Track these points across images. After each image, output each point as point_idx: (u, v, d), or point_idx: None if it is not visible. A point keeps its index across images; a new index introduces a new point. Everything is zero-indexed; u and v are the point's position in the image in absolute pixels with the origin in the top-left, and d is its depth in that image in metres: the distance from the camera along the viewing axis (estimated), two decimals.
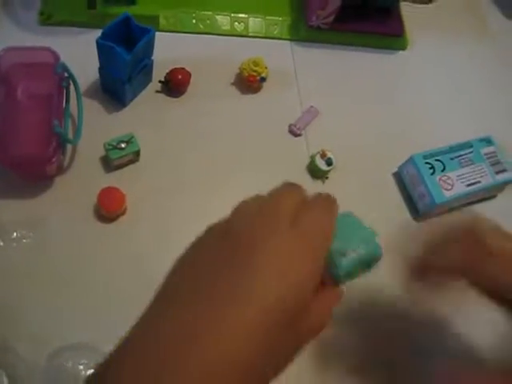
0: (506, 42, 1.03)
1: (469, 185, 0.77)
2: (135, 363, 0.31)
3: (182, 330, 0.32)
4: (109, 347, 0.58)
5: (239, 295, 0.33)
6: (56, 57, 0.68)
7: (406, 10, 0.95)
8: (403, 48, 0.95)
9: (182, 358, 0.31)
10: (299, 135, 0.80)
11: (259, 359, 0.32)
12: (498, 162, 0.80)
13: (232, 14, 0.89)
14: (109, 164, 0.71)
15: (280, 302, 0.33)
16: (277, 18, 0.91)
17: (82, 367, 0.58)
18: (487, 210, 0.81)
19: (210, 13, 0.88)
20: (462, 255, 0.52)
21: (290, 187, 0.44)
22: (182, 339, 0.32)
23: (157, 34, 0.72)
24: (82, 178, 0.70)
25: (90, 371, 0.58)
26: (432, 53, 0.97)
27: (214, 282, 0.35)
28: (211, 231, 0.40)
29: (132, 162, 0.72)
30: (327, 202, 0.44)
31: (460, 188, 0.76)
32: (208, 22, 0.88)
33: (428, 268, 0.54)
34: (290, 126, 0.81)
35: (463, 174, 0.78)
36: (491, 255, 0.51)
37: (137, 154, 0.71)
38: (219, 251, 0.37)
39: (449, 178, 0.77)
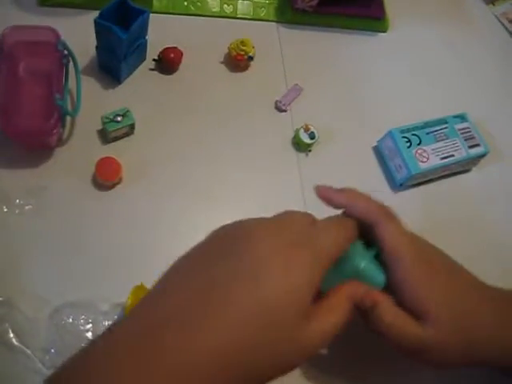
0: (483, 25, 1.08)
1: (443, 158, 0.82)
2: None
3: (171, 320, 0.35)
4: (105, 305, 0.63)
5: (233, 291, 0.35)
6: (57, 35, 0.72)
7: None
8: (384, 30, 1.00)
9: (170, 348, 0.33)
10: (284, 111, 0.85)
11: (243, 356, 0.34)
12: (471, 137, 0.85)
13: None
14: (106, 136, 0.75)
15: (271, 302, 0.35)
16: (264, 0, 0.95)
17: (81, 322, 0.62)
18: (462, 183, 0.86)
19: None
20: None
21: (301, 212, 0.46)
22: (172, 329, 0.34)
23: (150, 15, 0.76)
24: (81, 149, 0.74)
25: (88, 326, 0.62)
26: (411, 35, 1.01)
27: (209, 276, 0.37)
28: (216, 231, 0.45)
29: (127, 134, 0.76)
30: (344, 223, 0.49)
31: (435, 160, 0.81)
32: (199, 4, 0.92)
33: None
34: (275, 102, 0.85)
35: (438, 148, 0.82)
36: None
37: (132, 126, 0.75)
38: (219, 245, 0.41)
39: (424, 151, 0.81)
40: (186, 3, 0.91)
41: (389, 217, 0.52)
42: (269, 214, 0.74)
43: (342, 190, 0.54)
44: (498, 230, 0.83)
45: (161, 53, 0.83)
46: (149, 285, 0.63)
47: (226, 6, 0.93)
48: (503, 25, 1.09)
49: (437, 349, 0.47)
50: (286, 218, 0.45)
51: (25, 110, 0.70)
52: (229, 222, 0.73)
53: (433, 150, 0.82)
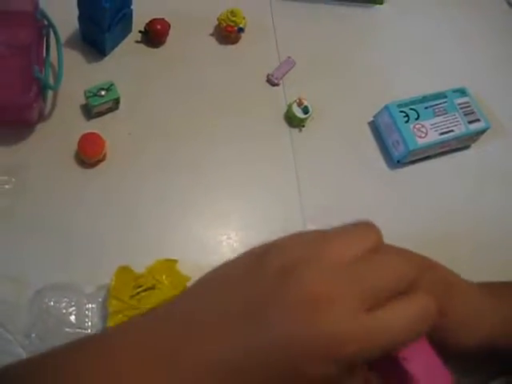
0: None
1: (442, 133, 0.79)
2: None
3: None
4: (89, 286, 0.61)
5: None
6: (35, 4, 0.68)
7: None
8: (380, 2, 0.96)
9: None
10: (277, 85, 0.82)
11: None
12: (471, 112, 0.82)
13: None
14: (89, 111, 0.72)
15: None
16: None
17: (63, 305, 0.59)
18: (461, 160, 0.84)
19: None
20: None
21: (363, 230, 0.34)
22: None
23: None
24: (63, 125, 0.71)
25: (71, 309, 0.59)
26: (408, 7, 0.98)
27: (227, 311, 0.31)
28: (246, 256, 0.35)
29: (111, 109, 0.73)
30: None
31: (433, 136, 0.78)
32: None
33: None
34: (267, 75, 0.82)
35: (437, 123, 0.79)
36: None
37: (116, 101, 0.72)
38: (244, 280, 0.33)
39: (423, 126, 0.79)
40: None
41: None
42: (259, 192, 0.73)
43: None
44: (497, 208, 0.80)
45: (147, 24, 0.79)
46: (135, 266, 0.60)
47: None
48: None
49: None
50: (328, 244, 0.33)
51: (2, 84, 0.67)
52: (218, 200, 0.71)
53: (431, 125, 0.79)
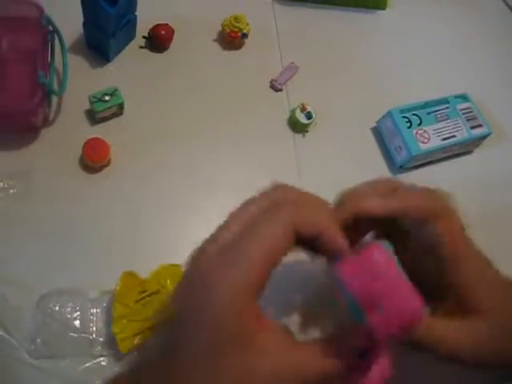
0: (484, 2, 1.05)
1: (444, 139, 0.79)
2: None
3: None
4: (94, 292, 0.61)
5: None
6: (40, 10, 0.69)
7: None
8: (383, 8, 0.97)
9: None
10: (280, 90, 0.82)
11: None
12: (473, 118, 0.83)
13: None
14: (93, 117, 0.72)
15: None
16: None
17: (68, 310, 0.59)
18: (464, 165, 0.84)
19: None
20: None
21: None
22: None
23: None
24: (68, 130, 0.71)
25: (75, 314, 0.59)
26: (411, 13, 0.98)
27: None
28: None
29: (116, 115, 0.73)
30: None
31: (436, 141, 0.79)
32: None
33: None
34: (271, 81, 0.82)
35: (439, 128, 0.80)
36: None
37: (121, 106, 0.72)
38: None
39: (425, 131, 0.79)
40: None
41: (448, 212, 0.49)
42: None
43: (387, 195, 0.47)
44: (499, 213, 0.80)
45: (151, 30, 0.80)
46: (139, 271, 0.61)
47: None
48: (505, 2, 1.06)
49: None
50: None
51: (7, 88, 0.67)
52: (222, 204, 0.71)
53: (434, 130, 0.79)
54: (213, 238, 0.39)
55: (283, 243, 0.36)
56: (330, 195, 0.75)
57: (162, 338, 0.37)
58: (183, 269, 0.39)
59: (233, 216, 0.40)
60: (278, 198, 0.40)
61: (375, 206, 0.45)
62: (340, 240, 0.39)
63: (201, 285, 0.35)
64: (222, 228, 0.39)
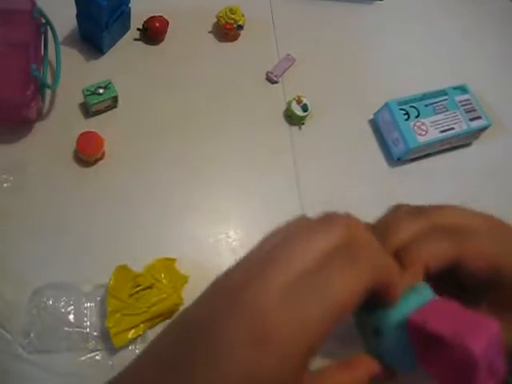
0: None
1: (443, 131, 0.79)
2: None
3: None
4: (87, 286, 0.61)
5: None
6: (32, 2, 0.68)
7: None
8: None
9: None
10: (276, 82, 0.81)
11: None
12: (472, 110, 0.82)
13: None
14: (87, 110, 0.72)
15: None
16: None
17: (62, 304, 0.59)
18: (462, 158, 0.83)
19: None
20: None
21: (323, 228, 0.32)
22: None
23: None
24: (62, 124, 0.71)
25: (69, 308, 0.59)
26: (408, 4, 0.98)
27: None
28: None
29: (110, 108, 0.73)
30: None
31: (434, 134, 0.78)
32: None
33: None
34: (267, 73, 0.81)
35: (437, 121, 0.79)
36: None
37: (115, 99, 0.72)
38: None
39: (423, 123, 0.78)
40: None
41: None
42: (259, 190, 0.72)
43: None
44: (498, 205, 0.79)
45: (145, 22, 0.79)
46: (133, 265, 0.60)
47: None
48: None
49: None
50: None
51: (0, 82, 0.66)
52: (216, 197, 0.71)
53: (432, 122, 0.79)
54: (276, 266, 0.30)
55: (357, 301, 0.30)
56: (326, 188, 0.75)
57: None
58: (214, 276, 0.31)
59: (299, 243, 0.31)
60: (351, 236, 0.32)
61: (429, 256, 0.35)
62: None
63: (257, 320, 0.28)
64: (284, 256, 0.30)
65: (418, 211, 0.39)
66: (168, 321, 0.61)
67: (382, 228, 0.38)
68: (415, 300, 0.33)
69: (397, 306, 0.32)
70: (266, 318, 0.28)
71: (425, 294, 0.33)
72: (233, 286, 0.29)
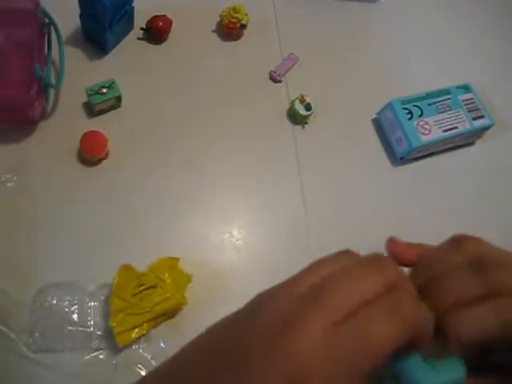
0: None
1: (446, 130, 0.78)
2: None
3: None
4: (91, 285, 0.61)
5: None
6: (36, 2, 0.68)
7: None
8: None
9: None
10: (279, 81, 0.81)
11: None
12: (475, 109, 0.82)
13: None
14: (91, 109, 0.72)
15: None
16: None
17: (66, 303, 0.60)
18: (466, 157, 0.83)
19: None
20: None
21: (371, 271, 0.30)
22: None
23: None
24: (65, 123, 0.71)
25: (73, 308, 0.59)
26: (411, 2, 0.97)
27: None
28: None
29: (114, 107, 0.73)
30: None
31: (437, 133, 0.78)
32: None
33: None
34: (270, 72, 0.81)
35: (440, 120, 0.79)
36: None
37: (118, 99, 0.72)
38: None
39: (426, 123, 0.78)
40: None
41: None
42: (262, 189, 0.72)
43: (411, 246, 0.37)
44: (501, 204, 0.80)
45: (149, 21, 0.79)
46: (137, 264, 0.60)
47: None
48: None
49: None
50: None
51: (3, 81, 0.66)
52: (219, 196, 0.71)
53: (435, 121, 0.79)
54: (319, 308, 0.29)
55: (394, 349, 0.28)
56: (329, 186, 0.75)
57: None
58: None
59: (345, 285, 0.30)
60: (391, 280, 0.30)
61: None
62: None
63: (296, 364, 0.27)
64: (330, 297, 0.29)
65: (475, 266, 0.34)
66: (171, 320, 0.62)
67: (429, 279, 0.34)
68: (445, 376, 0.30)
69: (425, 376, 0.30)
70: (305, 362, 0.27)
71: (456, 372, 0.31)
72: (271, 324, 0.28)
